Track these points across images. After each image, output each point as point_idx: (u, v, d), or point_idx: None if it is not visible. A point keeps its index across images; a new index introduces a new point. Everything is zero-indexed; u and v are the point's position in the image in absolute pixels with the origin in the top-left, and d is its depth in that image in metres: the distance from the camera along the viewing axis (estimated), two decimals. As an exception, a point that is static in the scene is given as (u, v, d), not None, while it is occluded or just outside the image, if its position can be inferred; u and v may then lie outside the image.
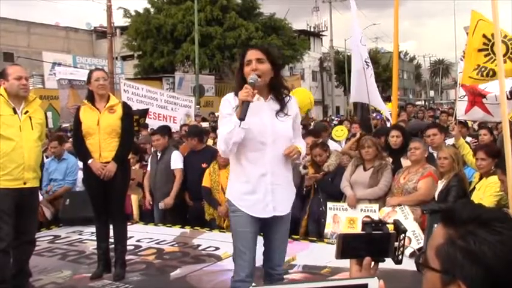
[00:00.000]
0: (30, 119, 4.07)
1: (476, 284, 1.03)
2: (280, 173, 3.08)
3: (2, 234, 3.96)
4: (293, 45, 31.08)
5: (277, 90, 3.08)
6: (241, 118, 2.80)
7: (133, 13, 29.20)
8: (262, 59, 2.96)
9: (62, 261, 5.21)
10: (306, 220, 5.80)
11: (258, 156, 3.00)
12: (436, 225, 4.56)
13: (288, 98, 3.13)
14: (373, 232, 1.44)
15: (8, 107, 3.98)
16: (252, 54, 2.98)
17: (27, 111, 4.07)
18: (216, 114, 17.84)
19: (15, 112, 4.00)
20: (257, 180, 3.01)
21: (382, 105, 9.06)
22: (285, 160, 3.08)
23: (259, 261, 3.33)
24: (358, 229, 4.86)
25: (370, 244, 1.44)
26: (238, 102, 2.89)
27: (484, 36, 5.16)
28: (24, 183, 4.01)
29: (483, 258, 1.03)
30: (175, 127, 10.94)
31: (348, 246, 1.44)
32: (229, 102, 3.03)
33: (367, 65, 7.86)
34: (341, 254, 1.44)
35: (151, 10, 29.41)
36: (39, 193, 4.87)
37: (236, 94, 2.95)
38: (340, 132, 8.14)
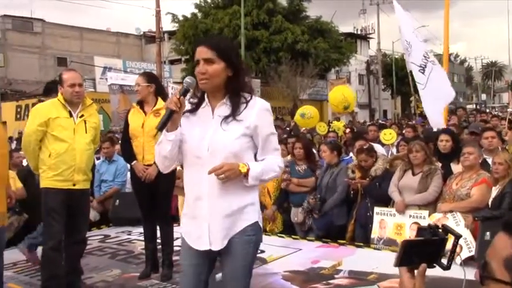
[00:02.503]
0: (85, 123, 4.21)
1: None
2: (220, 196, 2.37)
3: (53, 232, 4.11)
4: (339, 48, 30.82)
5: (234, 92, 2.42)
6: (158, 129, 2.35)
7: (181, 18, 29.69)
8: (212, 58, 2.35)
9: (112, 260, 5.35)
10: (352, 225, 5.73)
11: (194, 174, 2.42)
12: (488, 232, 4.42)
13: (246, 101, 2.42)
14: (433, 238, 1.40)
15: (64, 110, 4.12)
16: (200, 53, 2.38)
17: (82, 115, 4.20)
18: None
19: (70, 115, 4.14)
20: (193, 203, 2.43)
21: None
22: (232, 180, 2.34)
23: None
24: (405, 235, 4.78)
25: (426, 250, 1.41)
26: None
27: None
28: (74, 185, 4.14)
29: None
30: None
31: (410, 253, 1.40)
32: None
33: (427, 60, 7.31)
34: (401, 261, 1.40)
35: (199, 15, 29.82)
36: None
37: (193, 98, 2.50)
38: (388, 135, 8.03)
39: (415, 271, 1.43)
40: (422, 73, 7.19)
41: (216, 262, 2.53)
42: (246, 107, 2.41)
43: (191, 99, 2.48)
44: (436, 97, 7.13)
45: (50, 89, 5.27)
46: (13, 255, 5.23)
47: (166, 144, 2.38)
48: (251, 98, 2.44)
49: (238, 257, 2.43)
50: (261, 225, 2.52)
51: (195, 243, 2.43)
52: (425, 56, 7.24)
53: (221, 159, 2.33)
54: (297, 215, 6.12)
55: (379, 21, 40.30)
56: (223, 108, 2.41)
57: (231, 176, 2.30)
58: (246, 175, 2.34)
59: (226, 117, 2.38)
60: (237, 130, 2.38)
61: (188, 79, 2.36)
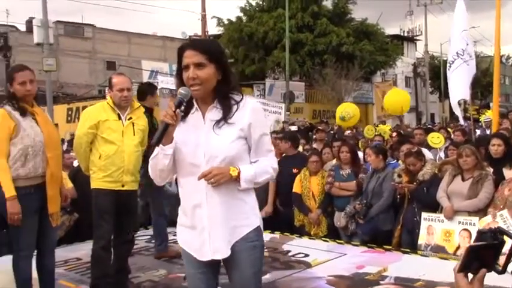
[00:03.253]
0: (133, 125, 4.31)
1: None
2: (220, 203, 2.32)
3: (102, 232, 4.23)
4: (385, 50, 30.32)
5: (223, 95, 2.34)
6: (154, 144, 2.26)
7: (226, 22, 29.96)
8: (203, 62, 2.25)
9: (158, 260, 5.43)
10: (399, 230, 5.62)
11: (191, 182, 2.31)
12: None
13: (236, 103, 2.34)
14: (494, 242, 1.36)
15: (113, 113, 4.24)
16: (189, 57, 2.26)
17: (130, 118, 4.30)
18: (307, 120, 17.85)
19: (119, 118, 4.25)
20: (192, 212, 2.36)
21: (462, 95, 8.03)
22: (227, 186, 2.30)
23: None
24: (454, 242, 4.63)
25: (486, 254, 1.37)
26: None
27: None
28: (123, 186, 4.24)
29: None
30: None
31: (473, 258, 1.36)
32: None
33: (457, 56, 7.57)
34: (463, 266, 1.37)
35: (244, 18, 30.00)
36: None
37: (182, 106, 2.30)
38: (436, 139, 7.82)
39: (471, 277, 1.38)
40: (449, 69, 7.61)
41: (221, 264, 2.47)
42: (237, 108, 2.33)
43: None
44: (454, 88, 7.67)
45: (144, 93, 5.41)
46: (64, 253, 5.40)
47: (164, 159, 2.29)
48: (242, 99, 2.36)
49: (246, 265, 2.38)
50: (262, 228, 2.48)
51: (197, 254, 2.37)
52: (458, 53, 7.45)
53: (219, 164, 2.28)
54: (339, 219, 6.07)
55: (427, 22, 39.47)
56: (214, 112, 2.33)
57: (221, 180, 2.25)
58: (237, 178, 2.28)
59: (218, 121, 2.30)
60: (231, 133, 2.31)
61: (183, 90, 2.26)
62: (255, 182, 2.36)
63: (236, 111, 2.32)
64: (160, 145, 2.25)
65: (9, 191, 3.58)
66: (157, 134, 2.22)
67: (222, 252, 2.33)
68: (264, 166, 2.38)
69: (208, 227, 2.32)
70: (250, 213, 2.40)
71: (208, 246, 2.33)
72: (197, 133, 2.32)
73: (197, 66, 2.25)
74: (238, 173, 2.29)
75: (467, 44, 7.55)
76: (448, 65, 7.69)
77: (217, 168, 2.25)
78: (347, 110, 11.91)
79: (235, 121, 2.31)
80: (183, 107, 2.28)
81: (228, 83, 2.35)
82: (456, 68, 7.48)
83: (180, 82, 2.31)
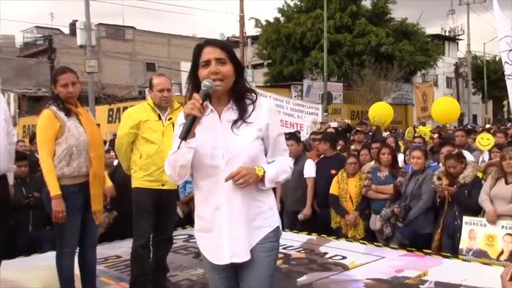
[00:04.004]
0: (173, 126, 4.36)
1: None
2: (241, 205, 2.28)
3: (142, 231, 4.29)
4: (426, 50, 29.76)
5: (239, 96, 2.34)
6: (182, 137, 2.17)
7: (264, 23, 30.01)
8: (223, 58, 2.27)
9: (196, 259, 5.48)
10: (439, 234, 5.50)
11: (210, 184, 2.29)
12: None
13: (253, 103, 2.34)
14: None
15: (153, 113, 4.30)
16: (211, 53, 2.27)
17: (170, 118, 4.36)
18: (346, 121, 17.66)
19: (159, 118, 4.32)
20: (211, 215, 2.31)
21: None
22: (248, 187, 2.27)
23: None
24: (497, 247, 4.53)
25: None
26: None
27: None
28: (163, 185, 4.29)
29: None
30: (302, 134, 11.02)
31: None
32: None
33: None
34: None
35: (282, 19, 29.98)
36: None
37: None
38: (485, 141, 7.57)
39: None
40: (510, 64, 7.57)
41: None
42: (253, 108, 2.32)
43: None
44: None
45: None
46: (104, 250, 5.52)
47: (188, 153, 2.22)
48: (256, 98, 2.36)
49: (263, 267, 2.33)
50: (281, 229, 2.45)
51: (214, 258, 2.33)
52: (505, 62, 7.49)
53: (239, 165, 2.24)
54: (375, 222, 5.99)
55: (469, 21, 38.51)
56: (230, 112, 2.31)
57: (250, 181, 2.22)
58: (262, 178, 2.27)
59: (235, 121, 2.28)
60: (250, 133, 2.29)
61: (207, 82, 2.23)
62: (276, 182, 2.35)
63: (253, 111, 2.32)
64: (182, 140, 2.19)
65: (55, 190, 3.68)
66: (185, 127, 2.17)
67: (241, 256, 2.29)
68: (282, 165, 2.38)
69: (228, 229, 2.27)
70: (269, 213, 2.38)
71: (227, 250, 2.28)
72: (214, 134, 2.28)
73: (219, 61, 2.26)
74: (264, 173, 2.27)
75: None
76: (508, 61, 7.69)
77: (246, 169, 2.23)
78: (377, 119, 11.66)
79: (253, 121, 2.30)
80: (207, 100, 2.26)
81: (243, 84, 2.37)
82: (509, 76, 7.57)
83: (194, 84, 2.32)
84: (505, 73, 7.58)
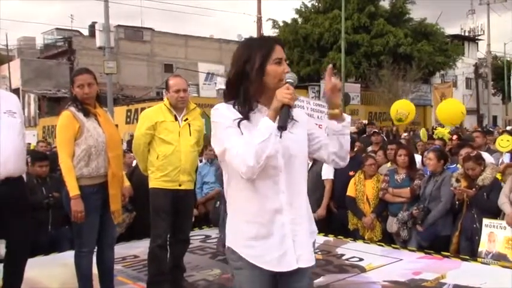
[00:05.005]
0: (189, 126, 4.39)
1: None
2: (301, 206, 2.23)
3: (160, 231, 4.33)
4: (445, 51, 29.42)
5: None
6: (283, 126, 2.06)
7: (281, 24, 29.99)
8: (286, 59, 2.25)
9: (212, 260, 5.51)
10: (457, 237, 5.45)
11: (270, 185, 2.16)
12: None
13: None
14: None
15: (170, 114, 4.33)
16: (281, 53, 2.21)
17: (187, 119, 4.39)
18: (364, 121, 17.58)
19: (176, 119, 4.35)
20: (270, 218, 2.15)
21: None
22: (305, 188, 2.26)
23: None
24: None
25: None
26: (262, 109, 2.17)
27: None
28: (180, 185, 4.32)
29: None
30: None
31: None
32: (227, 111, 2.18)
33: None
34: None
35: (299, 20, 29.94)
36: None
37: (239, 105, 2.17)
38: (505, 142, 7.46)
39: None
40: None
41: None
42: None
43: (236, 106, 2.19)
44: None
45: None
46: (123, 250, 5.58)
47: (278, 144, 2.11)
48: None
49: (308, 274, 2.26)
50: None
51: (274, 265, 2.15)
52: None
53: (298, 164, 2.21)
54: (392, 225, 5.94)
55: (490, 21, 38.03)
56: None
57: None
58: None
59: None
60: (303, 131, 2.29)
61: (293, 75, 2.19)
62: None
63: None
64: (276, 129, 2.06)
65: (74, 190, 3.73)
66: (284, 116, 2.08)
67: (307, 260, 2.20)
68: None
69: (291, 233, 2.17)
70: (312, 219, 2.35)
71: (292, 255, 2.16)
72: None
73: (285, 61, 2.25)
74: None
75: None
76: None
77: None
78: (400, 111, 11.64)
79: (298, 119, 2.29)
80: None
81: None
82: None
83: (261, 78, 2.18)
84: None
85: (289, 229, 2.17)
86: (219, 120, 2.16)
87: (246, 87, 2.18)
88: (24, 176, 4.04)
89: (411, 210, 5.67)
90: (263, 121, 2.08)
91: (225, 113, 2.16)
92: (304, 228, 2.22)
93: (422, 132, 10.21)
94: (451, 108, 11.89)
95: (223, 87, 2.36)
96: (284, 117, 2.09)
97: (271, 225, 2.16)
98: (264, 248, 2.15)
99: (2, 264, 3.89)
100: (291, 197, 2.19)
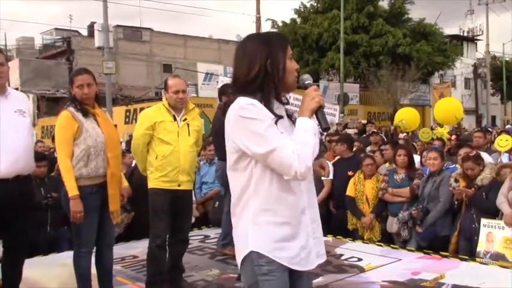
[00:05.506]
0: (188, 126, 4.39)
1: None
2: (316, 205, 2.28)
3: (158, 231, 4.32)
4: (444, 51, 29.46)
5: None
6: (328, 128, 2.13)
7: (280, 24, 29.99)
8: None
9: (211, 260, 5.51)
10: (456, 236, 5.45)
11: (297, 186, 2.14)
12: None
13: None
14: None
15: (168, 114, 4.33)
16: (290, 49, 2.25)
17: (185, 119, 4.40)
18: (363, 121, 17.58)
19: (174, 119, 4.34)
20: (297, 219, 2.14)
21: None
22: (314, 187, 2.31)
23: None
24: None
25: None
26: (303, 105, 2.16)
27: None
28: (179, 186, 4.32)
29: None
30: (319, 135, 10.99)
31: None
32: (264, 108, 2.09)
33: None
34: None
35: (298, 20, 29.94)
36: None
37: (264, 102, 2.10)
38: (504, 142, 7.46)
39: None
40: None
41: None
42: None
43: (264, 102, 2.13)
44: None
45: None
46: (121, 250, 5.57)
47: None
48: None
49: (309, 275, 2.28)
50: None
51: (304, 264, 2.15)
52: None
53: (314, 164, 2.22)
54: (392, 225, 5.95)
55: (488, 21, 38.06)
56: (282, 107, 2.25)
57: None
58: None
59: (289, 117, 2.25)
60: None
61: (308, 75, 2.27)
62: None
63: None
64: (326, 131, 2.14)
65: (73, 191, 3.73)
66: (324, 118, 2.15)
67: (323, 255, 2.25)
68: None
69: (312, 232, 2.19)
70: None
71: (314, 253, 2.19)
72: (290, 131, 2.13)
73: None
74: None
75: None
76: None
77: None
78: (404, 122, 11.65)
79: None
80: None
81: None
82: None
83: (284, 72, 2.18)
84: None
85: (310, 228, 2.19)
86: (257, 117, 2.04)
87: (271, 84, 2.14)
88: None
89: (410, 210, 5.67)
90: (307, 122, 2.08)
91: (263, 110, 2.07)
92: (319, 226, 2.25)
93: (423, 132, 10.20)
94: (448, 108, 11.90)
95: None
96: (325, 119, 2.14)
97: (299, 226, 2.15)
98: (295, 248, 2.13)
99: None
100: (309, 196, 2.22)
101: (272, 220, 2.11)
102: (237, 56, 2.21)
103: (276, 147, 2.01)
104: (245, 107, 2.05)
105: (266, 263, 2.10)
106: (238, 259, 2.18)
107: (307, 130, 2.05)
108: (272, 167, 2.06)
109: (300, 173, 2.01)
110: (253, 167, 2.10)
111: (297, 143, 2.02)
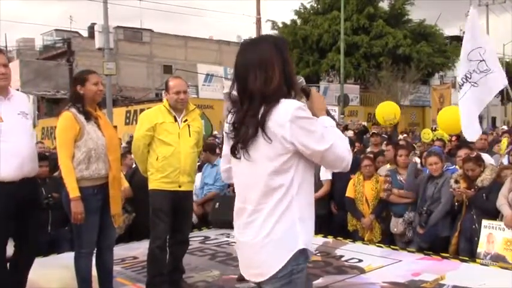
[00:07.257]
0: (189, 127, 4.40)
1: None
2: None
3: (159, 232, 4.33)
4: (444, 52, 29.50)
5: None
6: (337, 125, 2.30)
7: (280, 25, 30.00)
8: None
9: (212, 261, 5.51)
10: (456, 237, 5.45)
11: (312, 179, 2.28)
12: None
13: None
14: None
15: (169, 115, 4.34)
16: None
17: (186, 120, 4.40)
18: (364, 123, 17.57)
19: (175, 120, 4.35)
20: (312, 208, 2.26)
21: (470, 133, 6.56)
22: None
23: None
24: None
25: None
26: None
27: None
28: (179, 187, 4.33)
29: None
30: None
31: None
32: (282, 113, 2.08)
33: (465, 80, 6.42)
34: None
35: (298, 21, 29.95)
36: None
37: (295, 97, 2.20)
38: (502, 145, 7.47)
39: None
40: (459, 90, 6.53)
41: None
42: None
43: None
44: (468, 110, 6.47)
45: None
46: (121, 251, 5.57)
47: None
48: None
49: (310, 275, 2.43)
50: None
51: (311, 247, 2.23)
52: (466, 76, 6.38)
53: None
54: (396, 225, 5.95)
55: (489, 22, 38.05)
56: None
57: None
58: None
59: None
60: None
61: (300, 76, 2.32)
62: None
63: None
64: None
65: (74, 192, 3.73)
66: (332, 116, 2.27)
67: None
68: None
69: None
70: None
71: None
72: None
73: None
74: None
75: (482, 61, 6.32)
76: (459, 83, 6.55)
77: None
78: (387, 118, 11.58)
79: None
80: None
81: None
82: (465, 93, 6.40)
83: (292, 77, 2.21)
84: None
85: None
86: (312, 117, 2.12)
87: (289, 87, 2.19)
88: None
89: (417, 211, 5.68)
90: (328, 119, 2.21)
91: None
92: None
93: (424, 133, 10.20)
94: (453, 117, 11.80)
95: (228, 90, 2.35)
96: (333, 117, 2.28)
97: (311, 215, 2.24)
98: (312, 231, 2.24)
99: None
100: None
101: (310, 215, 2.19)
102: (249, 65, 2.16)
103: (333, 143, 2.10)
104: (302, 107, 2.10)
105: (304, 260, 2.14)
106: (281, 260, 2.10)
107: (334, 126, 2.18)
108: (324, 162, 2.14)
109: (349, 164, 2.16)
110: (296, 166, 2.14)
111: (340, 138, 2.15)
